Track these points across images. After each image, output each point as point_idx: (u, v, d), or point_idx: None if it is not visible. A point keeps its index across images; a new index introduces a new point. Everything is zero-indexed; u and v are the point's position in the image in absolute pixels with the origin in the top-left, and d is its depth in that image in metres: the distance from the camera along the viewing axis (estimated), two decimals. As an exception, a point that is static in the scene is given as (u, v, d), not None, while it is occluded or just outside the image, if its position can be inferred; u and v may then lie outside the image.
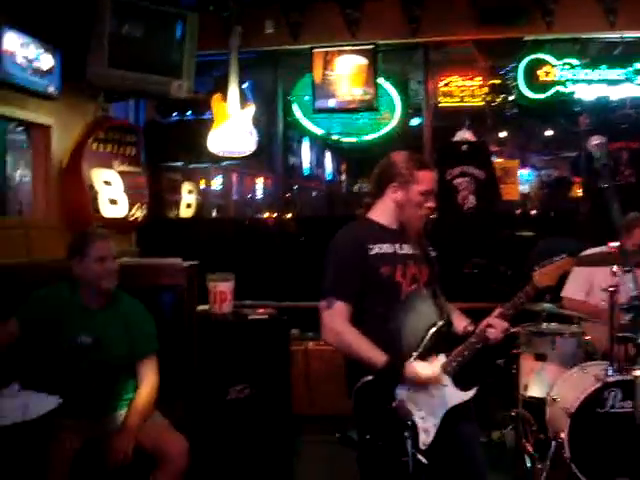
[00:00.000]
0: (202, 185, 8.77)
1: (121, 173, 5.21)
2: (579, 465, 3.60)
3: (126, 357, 3.14)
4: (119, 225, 4.98)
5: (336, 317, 2.66)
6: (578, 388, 3.72)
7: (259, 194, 12.14)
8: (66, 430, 2.93)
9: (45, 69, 4.50)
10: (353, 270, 2.69)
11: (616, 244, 4.31)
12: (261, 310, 4.20)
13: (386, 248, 2.75)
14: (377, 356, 2.59)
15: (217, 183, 10.41)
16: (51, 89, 4.57)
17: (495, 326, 2.77)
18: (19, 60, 4.23)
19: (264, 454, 3.90)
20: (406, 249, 2.80)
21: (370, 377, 2.62)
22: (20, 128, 5.17)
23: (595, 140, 2.19)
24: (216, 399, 3.81)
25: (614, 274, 3.75)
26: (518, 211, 6.47)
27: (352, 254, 2.71)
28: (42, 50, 4.46)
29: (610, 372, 3.66)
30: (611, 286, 3.71)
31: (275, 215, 6.78)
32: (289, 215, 6.88)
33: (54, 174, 4.86)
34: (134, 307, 3.23)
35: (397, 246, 2.78)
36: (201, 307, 3.98)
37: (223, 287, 4.04)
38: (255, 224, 7.40)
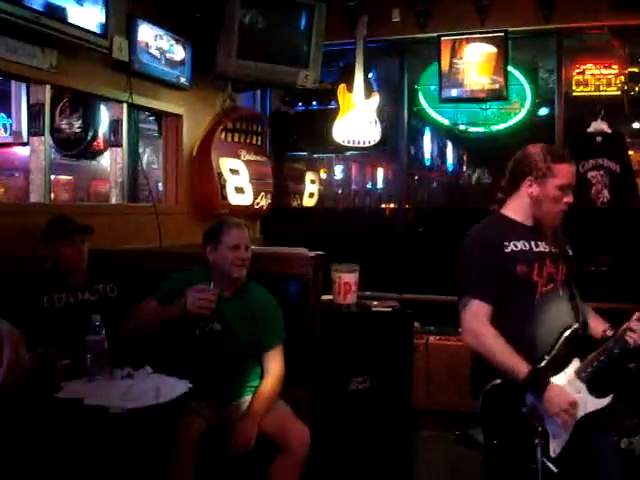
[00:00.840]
0: (323, 175, 8.84)
1: (247, 162, 5.34)
2: None
3: (253, 345, 3.18)
4: (245, 213, 5.10)
5: (476, 318, 2.59)
6: None
7: (379, 184, 12.13)
8: (192, 414, 3.00)
9: (177, 60, 4.67)
10: (492, 269, 2.61)
11: None
12: (386, 303, 4.16)
13: (521, 246, 2.65)
14: (519, 366, 2.50)
15: (338, 172, 10.47)
16: (183, 80, 4.74)
17: (637, 330, 2.61)
18: (153, 52, 4.40)
19: (382, 446, 3.88)
20: (542, 247, 2.69)
21: (499, 380, 2.55)
22: (150, 117, 5.39)
23: None
24: (338, 390, 3.82)
25: None
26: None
27: (489, 252, 2.63)
28: (174, 42, 4.62)
29: None
30: None
31: (396, 205, 6.73)
32: (410, 205, 6.81)
33: (184, 162, 5.03)
34: (264, 297, 3.25)
35: (533, 243, 2.68)
36: (325, 297, 4.00)
37: (348, 278, 4.04)
38: (376, 214, 7.39)
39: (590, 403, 2.59)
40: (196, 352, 3.12)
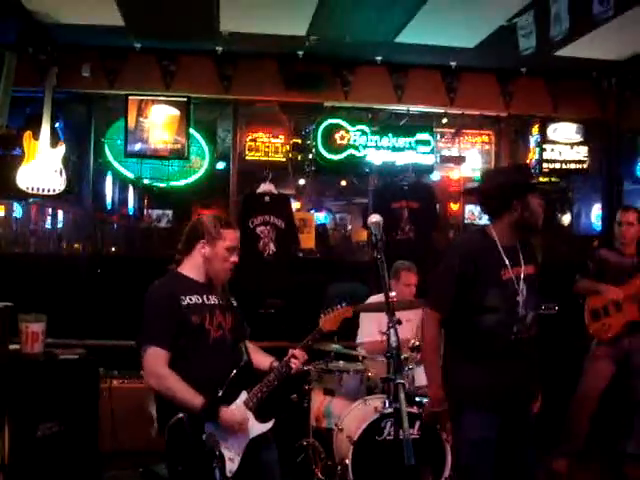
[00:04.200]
0: (1, 212, 8.46)
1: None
2: (361, 486, 4.12)
3: None
4: None
5: (157, 363, 2.98)
6: (360, 418, 4.26)
7: (59, 224, 11.77)
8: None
9: None
10: (168, 319, 3.03)
11: (393, 294, 5.01)
12: (72, 350, 4.31)
13: (195, 299, 3.13)
14: (194, 399, 2.93)
15: (17, 211, 10.02)
16: None
17: (298, 357, 3.26)
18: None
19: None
20: (213, 299, 3.20)
21: (182, 414, 2.93)
22: None
23: (373, 218, 2.67)
24: (27, 436, 3.88)
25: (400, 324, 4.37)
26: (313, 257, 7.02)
27: (166, 305, 3.06)
28: None
29: (387, 404, 4.20)
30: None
31: (79, 249, 6.81)
32: (91, 249, 6.92)
33: None
34: None
35: (205, 297, 3.17)
36: (12, 347, 4.04)
37: (35, 327, 4.12)
38: (59, 259, 7.32)
39: (257, 427, 3.12)
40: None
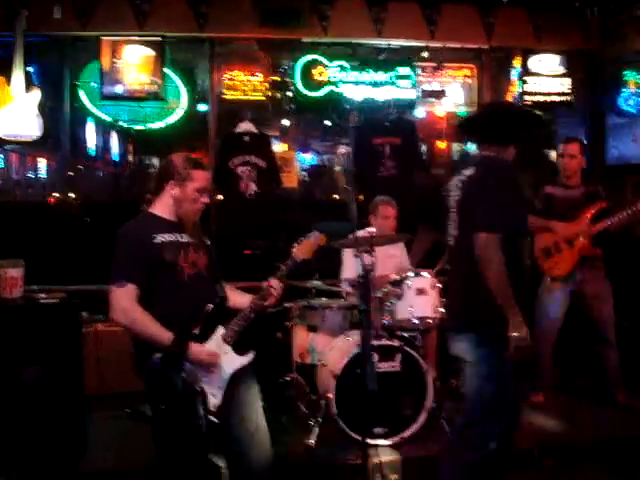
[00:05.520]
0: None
1: None
2: (345, 419, 4.19)
3: None
4: None
5: (125, 298, 2.96)
6: (342, 353, 4.32)
7: (42, 173, 11.70)
8: None
9: None
10: (139, 256, 3.00)
11: (372, 229, 5.02)
12: (53, 295, 4.31)
13: (168, 237, 3.10)
14: (163, 335, 2.92)
15: (-2, 161, 9.93)
16: None
17: (274, 286, 3.25)
18: None
19: (57, 430, 4.03)
20: (185, 238, 3.17)
21: (159, 354, 2.92)
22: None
23: (341, 149, 2.65)
24: (11, 380, 3.92)
25: (371, 254, 4.38)
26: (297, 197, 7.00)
27: (137, 242, 3.03)
28: None
29: (369, 339, 4.28)
30: (367, 265, 4.32)
31: (60, 197, 6.77)
32: (74, 196, 6.87)
33: None
34: None
35: (178, 235, 3.14)
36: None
37: (13, 273, 4.13)
38: (40, 206, 7.28)
39: (237, 361, 3.12)
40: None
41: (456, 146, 7.87)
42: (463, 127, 4.05)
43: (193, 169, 3.14)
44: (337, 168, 2.58)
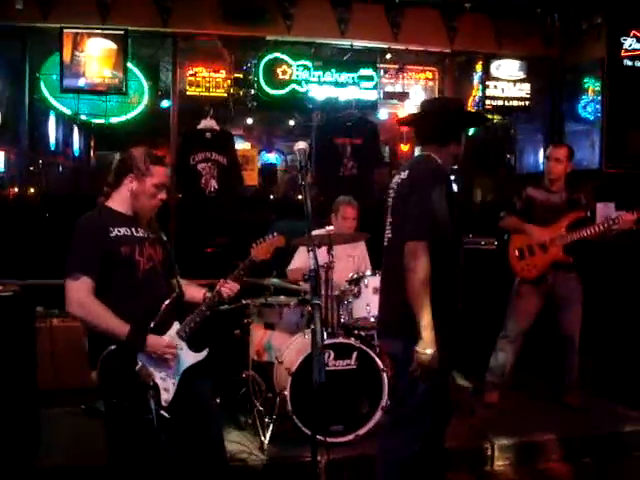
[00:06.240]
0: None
1: None
2: (299, 417, 4.19)
3: None
4: None
5: (81, 290, 2.93)
6: (298, 351, 4.33)
7: (1, 167, 11.50)
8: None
9: None
10: (95, 248, 2.98)
11: (331, 227, 5.06)
12: (7, 287, 4.24)
13: (124, 231, 3.07)
14: (120, 327, 2.91)
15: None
16: None
17: (230, 287, 3.27)
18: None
19: (9, 427, 3.96)
20: (141, 233, 3.15)
21: (114, 346, 2.90)
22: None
23: (299, 145, 2.64)
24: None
25: (329, 252, 4.42)
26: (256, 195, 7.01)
27: (93, 235, 3.00)
28: None
29: (325, 337, 4.28)
30: (326, 263, 4.36)
31: (18, 190, 6.67)
32: (33, 191, 6.79)
33: None
34: None
35: (134, 230, 3.12)
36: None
37: (-35, 264, 4.06)
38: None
39: (191, 357, 3.13)
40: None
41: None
42: (402, 125, 4.04)
43: (153, 164, 3.12)
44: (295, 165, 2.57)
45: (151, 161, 3.12)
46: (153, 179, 3.11)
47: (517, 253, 5.08)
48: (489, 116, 6.94)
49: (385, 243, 3.33)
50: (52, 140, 9.91)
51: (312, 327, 2.40)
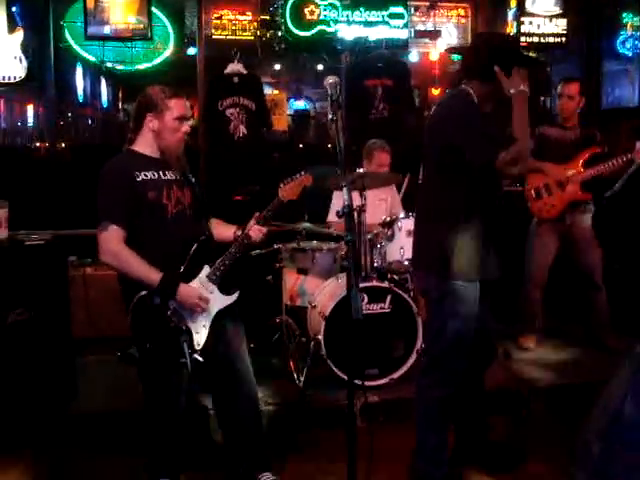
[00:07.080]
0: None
1: None
2: (334, 361, 4.18)
3: None
4: None
5: (112, 239, 2.90)
6: (332, 295, 4.29)
7: (30, 122, 11.56)
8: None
9: None
10: (122, 196, 2.94)
11: (362, 170, 4.95)
12: (40, 237, 4.24)
13: (151, 175, 3.02)
14: (151, 275, 2.88)
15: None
16: None
17: (257, 227, 3.21)
18: None
19: (47, 373, 3.99)
20: (169, 175, 3.09)
21: (144, 292, 2.89)
22: None
23: (330, 79, 2.54)
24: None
25: (361, 195, 4.34)
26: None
27: (120, 182, 2.96)
28: None
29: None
30: (358, 206, 4.27)
31: (49, 143, 6.66)
32: (63, 143, 6.77)
33: None
34: None
35: (161, 173, 3.06)
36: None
37: (-1, 213, 4.06)
38: (28, 152, 7.20)
39: (222, 300, 3.09)
40: None
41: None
42: (451, 53, 3.89)
43: (169, 98, 3.04)
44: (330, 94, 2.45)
45: (167, 95, 3.04)
46: (173, 112, 3.03)
47: (533, 193, 4.93)
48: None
49: (419, 181, 3.24)
50: (80, 92, 9.89)
51: (346, 265, 2.32)
